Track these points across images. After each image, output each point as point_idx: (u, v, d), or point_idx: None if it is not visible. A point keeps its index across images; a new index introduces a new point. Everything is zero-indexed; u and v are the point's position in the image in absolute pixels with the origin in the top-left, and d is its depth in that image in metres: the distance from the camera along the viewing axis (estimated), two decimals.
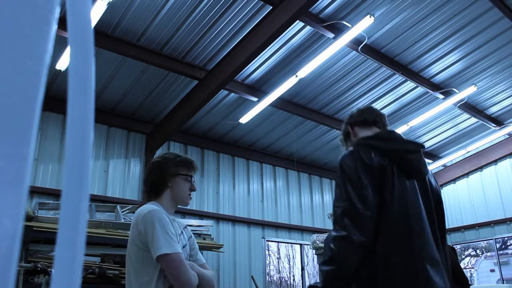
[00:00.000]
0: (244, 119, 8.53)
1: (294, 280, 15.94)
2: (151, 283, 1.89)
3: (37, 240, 5.24)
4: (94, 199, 7.14)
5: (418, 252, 1.66)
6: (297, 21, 6.13)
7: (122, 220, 6.09)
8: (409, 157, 1.81)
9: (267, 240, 9.84)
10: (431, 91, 8.53)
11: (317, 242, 6.07)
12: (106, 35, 6.28)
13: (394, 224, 1.67)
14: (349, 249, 1.59)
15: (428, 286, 1.61)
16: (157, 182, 2.12)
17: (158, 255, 1.82)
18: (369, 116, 2.04)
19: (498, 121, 10.25)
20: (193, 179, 2.19)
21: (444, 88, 8.58)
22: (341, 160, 1.78)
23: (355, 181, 1.68)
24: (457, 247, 11.97)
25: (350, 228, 1.60)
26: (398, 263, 1.63)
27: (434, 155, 11.59)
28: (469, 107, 9.45)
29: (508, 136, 10.92)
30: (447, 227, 11.78)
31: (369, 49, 7.24)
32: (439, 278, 1.64)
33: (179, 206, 2.18)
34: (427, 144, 11.10)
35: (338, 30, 6.64)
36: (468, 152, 11.39)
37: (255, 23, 6.25)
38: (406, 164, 1.79)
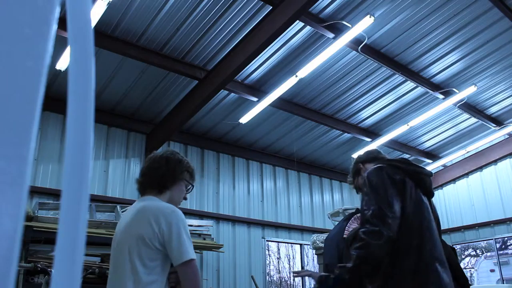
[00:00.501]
0: (244, 119, 8.52)
1: (294, 280, 15.93)
2: (159, 283, 1.86)
3: (37, 240, 5.24)
4: (94, 199, 7.13)
5: (428, 252, 1.96)
6: (297, 21, 6.12)
7: None
8: (423, 177, 2.18)
9: (267, 240, 9.83)
10: (431, 91, 8.52)
11: (317, 242, 6.04)
12: (106, 35, 6.28)
13: (410, 227, 1.99)
14: (378, 241, 1.89)
15: (437, 280, 1.91)
16: (166, 178, 2.09)
17: (186, 260, 1.80)
18: (377, 154, 2.51)
19: (498, 121, 10.25)
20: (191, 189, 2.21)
21: (444, 88, 8.58)
22: (368, 173, 2.13)
23: (382, 190, 2.02)
24: (457, 247, 11.96)
25: (380, 225, 1.91)
26: (411, 260, 1.92)
27: (434, 155, 11.58)
28: (469, 107, 9.45)
29: (508, 136, 10.91)
30: (447, 227, 11.80)
31: (369, 49, 7.24)
32: (445, 275, 1.94)
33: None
34: (427, 144, 11.10)
35: (338, 30, 6.64)
36: (468, 152, 11.37)
37: (255, 23, 6.25)
38: (420, 182, 2.15)
